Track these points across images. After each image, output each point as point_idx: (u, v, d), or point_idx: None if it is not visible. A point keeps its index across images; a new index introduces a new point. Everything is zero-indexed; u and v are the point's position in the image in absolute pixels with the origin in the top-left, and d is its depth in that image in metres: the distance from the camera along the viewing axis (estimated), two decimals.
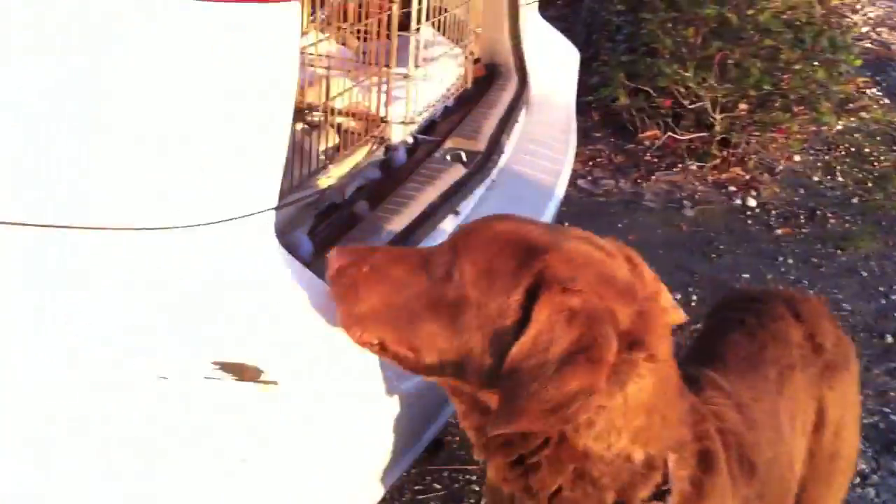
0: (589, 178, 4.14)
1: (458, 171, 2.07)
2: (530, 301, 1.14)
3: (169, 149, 1.16)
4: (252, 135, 1.22)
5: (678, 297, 3.24)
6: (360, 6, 2.30)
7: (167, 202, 1.18)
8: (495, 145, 2.28)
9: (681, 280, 3.36)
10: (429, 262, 1.23)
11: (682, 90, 4.21)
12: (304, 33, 2.27)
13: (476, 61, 2.79)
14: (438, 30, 2.58)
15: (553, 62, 3.01)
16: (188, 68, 1.15)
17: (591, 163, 4.27)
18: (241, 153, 1.21)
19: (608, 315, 1.14)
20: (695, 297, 3.27)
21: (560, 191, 2.39)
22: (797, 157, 4.51)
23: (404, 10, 2.26)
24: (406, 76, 2.19)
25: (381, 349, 1.25)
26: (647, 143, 4.38)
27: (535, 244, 1.20)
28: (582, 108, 4.64)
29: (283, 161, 1.28)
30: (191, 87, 1.16)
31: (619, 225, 3.74)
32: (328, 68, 2.10)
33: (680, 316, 1.30)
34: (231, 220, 1.20)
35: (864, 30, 7.97)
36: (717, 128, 4.23)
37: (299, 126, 1.96)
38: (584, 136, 4.45)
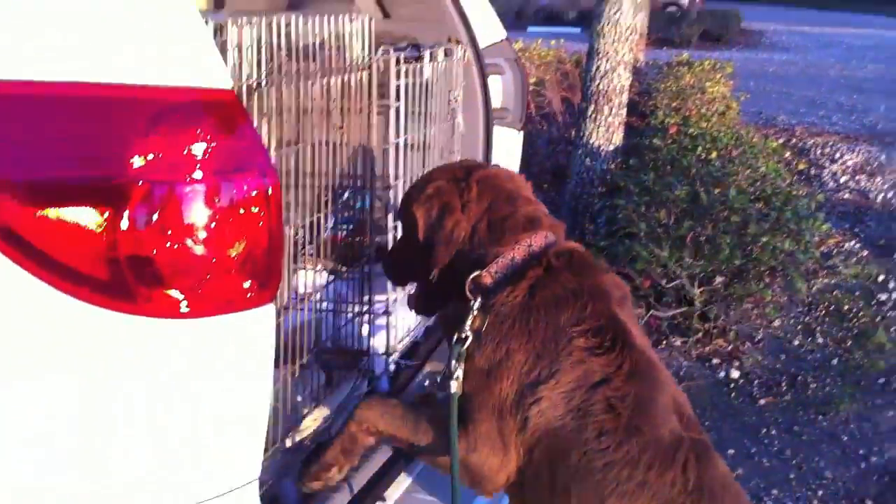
0: None
1: (437, 395, 2.29)
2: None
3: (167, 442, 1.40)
4: (235, 425, 1.46)
5: None
6: (347, 236, 2.59)
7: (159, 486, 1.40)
8: None
9: None
10: None
11: (659, 269, 4.47)
12: (296, 270, 2.55)
13: None
14: None
15: None
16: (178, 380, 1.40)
17: None
18: (227, 440, 1.45)
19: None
20: None
21: None
22: (776, 323, 4.73)
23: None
24: (387, 310, 2.45)
25: None
26: None
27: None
28: None
29: (263, 441, 1.51)
30: (180, 390, 1.41)
31: None
32: (316, 311, 2.35)
33: None
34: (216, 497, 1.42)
35: (843, 179, 8.33)
36: (697, 302, 4.47)
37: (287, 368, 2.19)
38: None
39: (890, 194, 7.76)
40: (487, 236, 1.86)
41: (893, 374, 4.32)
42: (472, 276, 1.79)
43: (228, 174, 1.44)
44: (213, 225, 1.42)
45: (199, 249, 1.41)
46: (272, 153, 1.85)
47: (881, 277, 5.62)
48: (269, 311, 1.49)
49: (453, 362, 1.75)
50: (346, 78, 2.20)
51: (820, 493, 3.35)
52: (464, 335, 1.74)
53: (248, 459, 1.49)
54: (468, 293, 1.78)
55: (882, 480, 3.45)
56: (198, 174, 1.40)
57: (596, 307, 1.73)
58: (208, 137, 1.41)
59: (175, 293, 1.39)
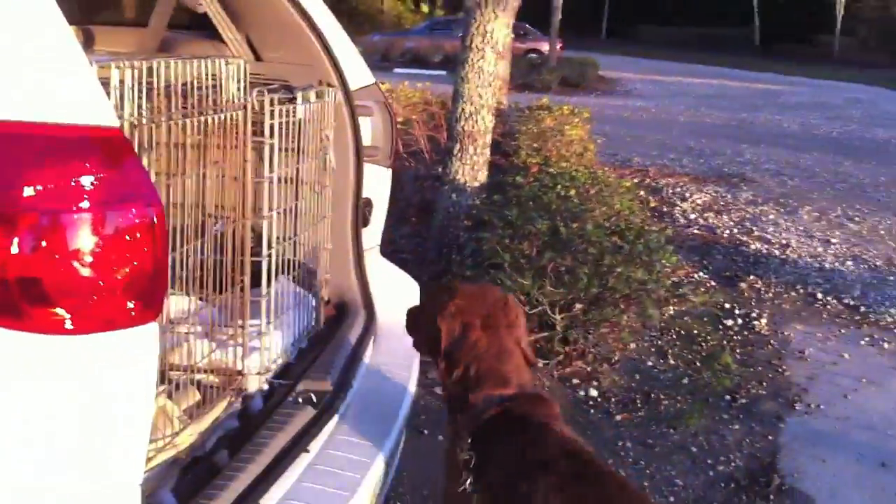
0: None
1: (309, 413, 2.42)
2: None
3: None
4: (119, 432, 1.56)
5: None
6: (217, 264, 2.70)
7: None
8: (343, 383, 2.66)
9: None
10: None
11: (523, 297, 4.72)
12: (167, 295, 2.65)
13: (327, 303, 3.19)
14: (293, 280, 2.99)
15: (396, 296, 3.45)
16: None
17: None
18: (111, 447, 1.55)
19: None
20: None
21: (403, 414, 2.76)
22: (632, 346, 5.06)
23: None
24: (261, 333, 2.58)
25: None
26: None
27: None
28: None
29: (145, 450, 1.62)
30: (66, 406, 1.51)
31: None
32: (188, 332, 2.46)
33: None
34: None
35: (693, 216, 8.90)
36: (558, 327, 4.74)
37: (162, 387, 2.28)
38: None
39: (735, 230, 8.35)
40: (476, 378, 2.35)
41: (738, 391, 4.68)
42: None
43: (114, 204, 1.57)
44: (99, 250, 1.54)
45: (86, 272, 1.53)
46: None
47: (727, 305, 6.07)
48: (152, 328, 1.61)
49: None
50: (222, 117, 2.34)
51: (672, 499, 3.62)
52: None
53: (131, 467, 1.59)
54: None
55: (728, 487, 3.75)
56: (85, 204, 1.52)
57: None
58: (95, 170, 1.54)
59: (61, 311, 1.51)
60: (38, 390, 1.49)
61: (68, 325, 1.51)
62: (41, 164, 1.48)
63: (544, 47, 25.03)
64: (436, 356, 2.45)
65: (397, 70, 20.92)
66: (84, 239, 1.52)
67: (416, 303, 3.51)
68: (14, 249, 1.47)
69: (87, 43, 3.29)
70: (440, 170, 6.36)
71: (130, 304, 1.59)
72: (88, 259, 1.53)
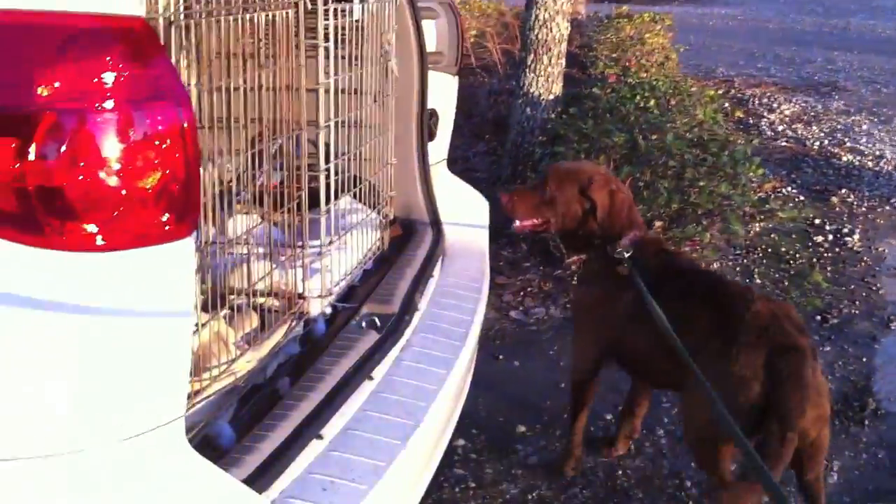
0: (520, 308, 4.35)
1: (372, 338, 2.27)
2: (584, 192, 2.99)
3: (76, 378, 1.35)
4: (156, 359, 1.42)
5: (608, 417, 3.44)
6: (279, 184, 2.54)
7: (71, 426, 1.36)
8: (408, 306, 2.49)
9: (612, 401, 3.53)
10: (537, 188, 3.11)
11: None
12: (229, 217, 2.51)
13: (392, 222, 3.02)
14: (355, 198, 2.82)
15: (465, 213, 3.27)
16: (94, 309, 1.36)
17: (522, 293, 4.49)
18: (148, 374, 1.41)
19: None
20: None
21: (472, 338, 2.60)
22: (716, 265, 4.79)
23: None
24: (321, 253, 2.42)
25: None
26: (573, 267, 4.63)
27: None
28: (512, 240, 4.93)
29: (186, 376, 1.48)
30: (97, 324, 1.36)
31: (551, 352, 3.94)
32: (248, 254, 2.32)
33: None
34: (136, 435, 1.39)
35: (781, 128, 8.45)
36: None
37: (222, 312, 2.15)
38: (514, 267, 4.72)
39: (826, 142, 7.89)
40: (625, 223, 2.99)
41: (829, 311, 4.41)
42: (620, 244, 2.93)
43: (141, 103, 1.40)
44: (125, 155, 1.38)
45: (113, 181, 1.37)
46: (194, 95, 1.81)
47: (817, 221, 5.73)
48: (187, 244, 1.45)
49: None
50: (271, 15, 2.15)
51: None
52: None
53: (171, 396, 1.45)
54: (616, 254, 2.90)
55: None
56: (109, 103, 1.35)
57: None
58: (119, 65, 1.37)
59: (89, 226, 1.35)
60: (68, 314, 1.34)
61: (100, 240, 1.36)
62: (57, 58, 1.31)
63: None
64: (582, 224, 3.02)
65: None
66: (109, 143, 1.35)
67: (485, 214, 3.35)
68: (31, 156, 1.31)
69: None
70: (514, 84, 6.08)
71: (164, 217, 1.43)
72: (115, 166, 1.37)
